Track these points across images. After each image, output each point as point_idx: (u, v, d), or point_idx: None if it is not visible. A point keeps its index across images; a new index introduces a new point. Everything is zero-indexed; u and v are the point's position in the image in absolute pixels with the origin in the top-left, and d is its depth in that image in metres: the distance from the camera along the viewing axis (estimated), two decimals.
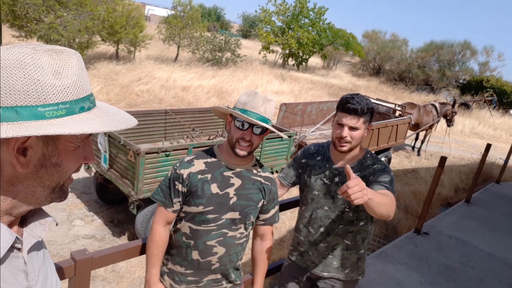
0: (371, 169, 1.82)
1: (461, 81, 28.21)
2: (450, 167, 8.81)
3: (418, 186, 7.52)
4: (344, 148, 1.81)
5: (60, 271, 1.57)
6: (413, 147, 11.15)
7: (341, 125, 1.79)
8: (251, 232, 1.81)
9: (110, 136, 4.36)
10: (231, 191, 1.62)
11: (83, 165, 0.76)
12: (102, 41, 14.20)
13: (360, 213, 1.88)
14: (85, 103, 0.67)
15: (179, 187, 1.60)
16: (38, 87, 0.60)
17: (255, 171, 1.70)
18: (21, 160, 0.63)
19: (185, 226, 1.64)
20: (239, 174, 1.65)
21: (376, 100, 10.58)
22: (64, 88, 0.63)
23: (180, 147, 4.34)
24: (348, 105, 1.75)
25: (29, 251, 0.73)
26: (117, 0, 14.04)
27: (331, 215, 1.90)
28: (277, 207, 1.81)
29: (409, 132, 10.14)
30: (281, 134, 1.91)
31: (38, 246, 0.77)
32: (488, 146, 6.42)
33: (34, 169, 0.65)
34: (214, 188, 1.59)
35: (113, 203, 5.33)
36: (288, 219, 5.44)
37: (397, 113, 9.96)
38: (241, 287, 1.85)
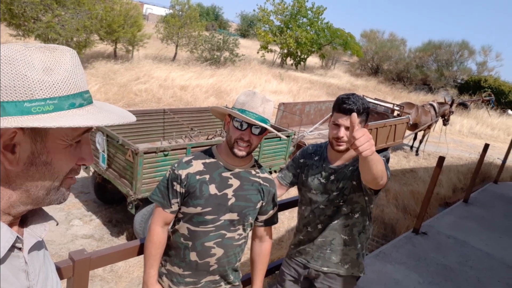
0: None
1: (459, 81, 28.25)
2: (448, 167, 8.83)
3: (417, 186, 7.52)
4: (341, 148, 1.84)
5: (59, 271, 1.56)
6: (411, 147, 11.16)
7: (338, 126, 1.81)
8: (250, 233, 1.80)
9: (108, 135, 4.35)
10: (229, 192, 1.61)
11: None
12: (100, 40, 14.16)
13: (354, 204, 1.91)
14: (76, 100, 0.66)
15: (177, 187, 1.59)
16: (25, 83, 0.60)
17: (253, 172, 1.70)
18: (9, 157, 0.63)
19: (183, 227, 1.64)
20: (238, 175, 1.65)
21: (374, 100, 10.60)
22: (54, 84, 0.63)
23: (178, 147, 4.34)
24: (344, 105, 1.76)
25: (30, 251, 0.72)
26: None
27: (327, 211, 1.94)
28: (276, 208, 1.81)
29: (408, 132, 10.16)
30: (280, 134, 1.92)
31: (39, 246, 0.77)
32: (486, 146, 6.44)
33: (24, 167, 0.65)
34: (213, 189, 1.59)
35: (111, 203, 5.32)
36: (287, 219, 5.44)
37: (396, 113, 9.98)
38: None
